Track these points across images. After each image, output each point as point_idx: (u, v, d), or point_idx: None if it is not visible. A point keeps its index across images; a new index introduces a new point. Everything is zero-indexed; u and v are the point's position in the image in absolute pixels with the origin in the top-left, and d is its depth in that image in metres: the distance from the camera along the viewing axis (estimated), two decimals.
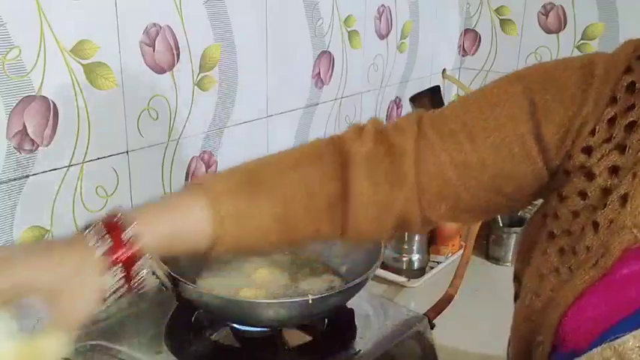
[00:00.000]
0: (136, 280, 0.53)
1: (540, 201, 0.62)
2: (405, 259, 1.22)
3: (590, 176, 0.54)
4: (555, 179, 0.58)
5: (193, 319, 0.90)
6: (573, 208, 0.55)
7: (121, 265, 0.52)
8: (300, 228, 0.61)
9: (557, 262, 0.54)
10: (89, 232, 0.52)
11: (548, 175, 0.58)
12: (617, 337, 0.48)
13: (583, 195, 0.54)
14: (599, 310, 0.51)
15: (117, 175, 0.92)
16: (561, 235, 0.55)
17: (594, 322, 0.51)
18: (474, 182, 0.59)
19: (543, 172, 0.58)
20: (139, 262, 0.53)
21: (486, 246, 1.26)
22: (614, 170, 0.53)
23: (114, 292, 0.52)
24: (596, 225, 0.52)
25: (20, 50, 0.76)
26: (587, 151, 0.55)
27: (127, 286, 0.53)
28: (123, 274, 0.52)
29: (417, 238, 1.22)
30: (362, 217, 0.61)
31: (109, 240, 0.51)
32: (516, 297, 0.63)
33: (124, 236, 0.52)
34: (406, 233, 1.22)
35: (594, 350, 0.49)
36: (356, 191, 0.59)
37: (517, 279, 0.63)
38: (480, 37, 1.66)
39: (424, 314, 0.98)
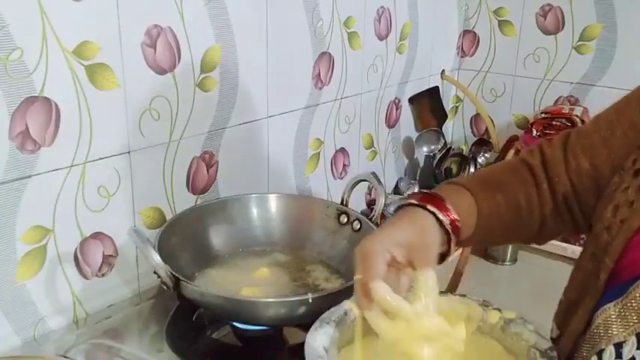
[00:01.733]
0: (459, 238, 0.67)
1: None
2: None
3: None
4: None
5: (194, 317, 0.91)
6: None
7: (449, 223, 0.65)
8: (520, 223, 0.72)
9: (635, 195, 0.57)
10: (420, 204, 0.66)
11: None
12: None
13: None
14: None
15: (118, 176, 0.92)
16: None
17: None
18: (599, 162, 0.68)
19: None
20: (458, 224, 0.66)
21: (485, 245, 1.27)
22: None
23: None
24: None
25: (22, 51, 0.77)
26: None
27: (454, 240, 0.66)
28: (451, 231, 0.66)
29: None
30: (548, 213, 0.72)
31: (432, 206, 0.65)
32: (583, 251, 0.66)
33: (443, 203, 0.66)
34: None
35: None
36: (542, 191, 0.71)
37: (591, 227, 0.66)
38: (478, 39, 1.67)
39: None
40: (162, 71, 0.94)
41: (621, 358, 0.52)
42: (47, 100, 0.81)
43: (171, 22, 0.94)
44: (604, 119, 0.70)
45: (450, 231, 0.65)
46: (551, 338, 0.66)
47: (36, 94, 0.80)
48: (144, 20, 0.90)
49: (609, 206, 0.60)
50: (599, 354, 0.54)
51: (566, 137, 0.73)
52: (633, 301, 0.52)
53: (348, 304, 0.64)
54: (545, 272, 1.22)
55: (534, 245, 1.27)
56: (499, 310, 0.62)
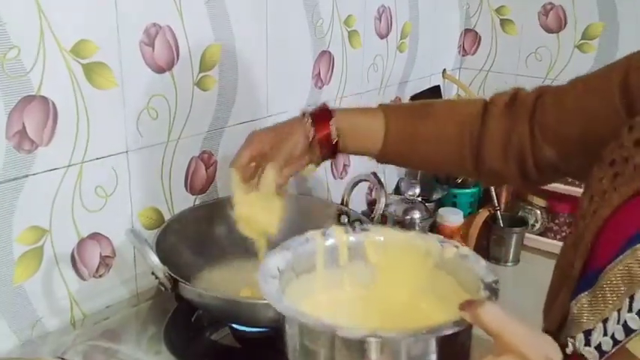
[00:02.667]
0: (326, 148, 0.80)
1: None
2: None
3: None
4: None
5: (193, 319, 0.90)
6: (638, 136, 0.58)
7: (321, 141, 0.79)
8: (446, 152, 0.78)
9: (607, 184, 0.57)
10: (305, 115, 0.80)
11: (625, 118, 0.64)
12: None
13: None
14: (634, 222, 0.52)
15: (116, 175, 0.92)
16: (620, 162, 0.58)
17: (624, 231, 0.52)
18: (569, 119, 0.70)
19: (621, 116, 0.65)
20: (332, 134, 0.79)
21: (487, 246, 1.26)
22: None
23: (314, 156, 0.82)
24: None
25: (19, 50, 0.76)
26: None
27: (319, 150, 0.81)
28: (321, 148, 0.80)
29: None
30: (491, 152, 0.75)
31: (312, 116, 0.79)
32: (566, 238, 0.67)
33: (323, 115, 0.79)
34: None
35: (620, 256, 0.51)
36: (489, 127, 0.75)
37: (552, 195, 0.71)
38: (479, 37, 1.66)
39: None
40: (160, 70, 0.94)
41: (589, 345, 0.52)
42: (44, 99, 0.80)
43: (169, 21, 0.93)
44: (582, 80, 0.71)
45: (318, 143, 0.79)
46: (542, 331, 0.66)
47: (33, 93, 0.79)
48: (142, 19, 0.90)
49: (586, 196, 0.61)
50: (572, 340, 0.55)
51: (542, 88, 0.75)
52: (601, 289, 0.53)
53: (309, 234, 0.64)
54: (547, 273, 1.21)
55: (536, 246, 1.27)
56: (456, 246, 0.64)
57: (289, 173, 0.80)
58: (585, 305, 0.54)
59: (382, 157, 0.83)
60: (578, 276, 0.57)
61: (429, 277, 0.63)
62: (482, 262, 0.61)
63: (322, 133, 0.78)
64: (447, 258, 0.63)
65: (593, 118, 0.68)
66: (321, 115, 0.79)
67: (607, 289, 0.52)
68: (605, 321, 0.51)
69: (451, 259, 0.63)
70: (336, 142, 0.80)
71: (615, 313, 0.50)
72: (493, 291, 0.57)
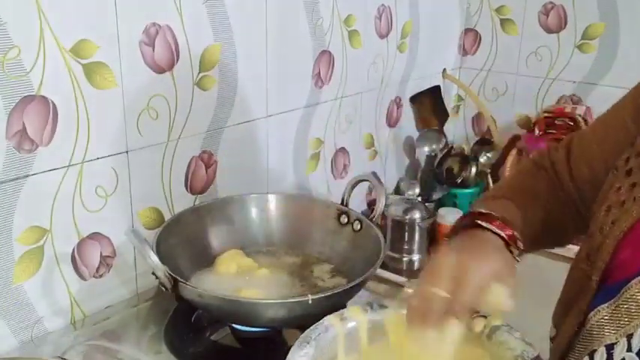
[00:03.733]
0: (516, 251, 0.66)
1: None
2: (405, 259, 1.22)
3: None
4: None
5: (193, 319, 0.90)
6: None
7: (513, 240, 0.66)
8: (558, 228, 0.75)
9: (626, 195, 0.57)
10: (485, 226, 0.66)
11: None
12: None
13: None
14: None
15: (116, 175, 0.92)
16: (637, 171, 0.58)
17: None
18: (596, 164, 0.69)
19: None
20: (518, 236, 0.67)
21: None
22: None
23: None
24: None
25: (20, 50, 0.76)
26: None
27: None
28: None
29: (417, 238, 1.22)
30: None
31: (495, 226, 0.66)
32: (579, 251, 0.66)
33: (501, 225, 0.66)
34: (406, 233, 1.22)
35: None
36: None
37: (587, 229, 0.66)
38: (480, 37, 1.66)
39: None
40: (160, 70, 0.94)
41: (612, 359, 0.52)
42: (44, 99, 0.80)
43: (169, 21, 0.93)
44: (600, 120, 0.71)
45: (514, 250, 0.65)
46: (550, 338, 0.66)
47: (33, 93, 0.79)
48: (142, 18, 0.89)
49: (603, 207, 0.60)
50: (591, 355, 0.54)
51: (570, 140, 0.74)
52: (625, 303, 0.52)
53: (328, 320, 0.63)
54: (546, 273, 1.21)
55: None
56: (485, 317, 0.61)
57: None
58: (606, 318, 0.54)
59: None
60: (596, 288, 0.56)
61: (459, 352, 0.59)
62: (516, 333, 0.59)
63: (513, 239, 0.67)
64: (476, 331, 0.60)
65: (613, 145, 0.67)
66: (508, 230, 0.67)
67: (632, 303, 0.51)
68: (629, 336, 0.51)
69: (481, 332, 0.60)
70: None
71: None
72: None
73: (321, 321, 0.63)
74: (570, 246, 1.23)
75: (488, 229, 0.64)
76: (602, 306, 0.54)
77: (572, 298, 0.61)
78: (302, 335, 0.61)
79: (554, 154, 0.75)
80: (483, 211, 0.67)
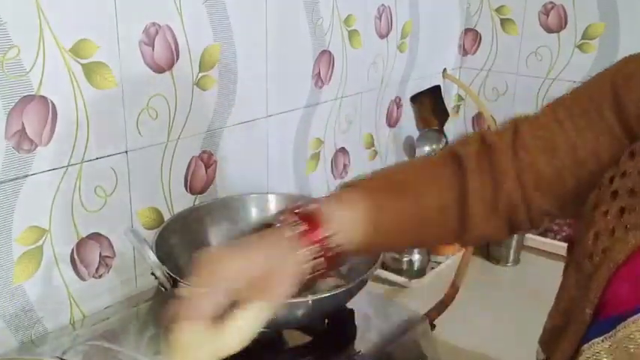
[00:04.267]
0: (332, 260, 0.59)
1: None
2: (405, 259, 1.22)
3: None
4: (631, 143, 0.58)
5: None
6: None
7: (316, 245, 0.57)
8: (431, 228, 0.66)
9: (615, 221, 0.54)
10: (283, 221, 0.58)
11: (628, 143, 0.58)
12: None
13: None
14: None
15: (116, 175, 0.91)
16: (624, 194, 0.54)
17: None
18: (563, 165, 0.61)
19: (623, 142, 0.59)
20: (331, 244, 0.58)
21: (487, 246, 1.26)
22: None
23: (312, 271, 0.58)
24: None
25: (19, 49, 0.76)
26: None
27: (324, 264, 0.58)
28: (319, 254, 0.58)
29: None
30: (478, 216, 0.63)
31: (303, 225, 0.58)
32: (566, 267, 0.62)
33: (317, 220, 0.58)
34: None
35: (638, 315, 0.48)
36: (470, 188, 0.63)
37: (570, 249, 0.62)
38: (480, 37, 1.66)
39: (424, 315, 0.98)
40: (160, 70, 0.94)
41: None
42: (44, 99, 0.80)
43: (169, 21, 0.93)
44: (563, 112, 0.62)
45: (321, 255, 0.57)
46: None
47: (33, 93, 0.79)
48: (142, 18, 0.89)
49: (590, 232, 0.56)
50: None
51: (515, 126, 0.64)
52: (622, 342, 0.50)
53: None
54: (548, 273, 1.20)
55: (536, 246, 1.27)
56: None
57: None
58: (603, 353, 0.52)
59: (366, 250, 0.66)
60: (589, 320, 0.54)
61: None
62: None
63: (317, 242, 0.58)
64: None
65: (590, 154, 0.60)
66: (312, 221, 0.58)
67: (631, 343, 0.49)
68: None
69: None
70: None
71: None
72: None
73: None
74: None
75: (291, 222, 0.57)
76: (596, 340, 0.52)
77: (563, 324, 0.58)
78: None
79: (490, 137, 0.64)
80: (307, 208, 0.59)
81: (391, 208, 0.64)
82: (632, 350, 0.49)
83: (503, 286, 1.23)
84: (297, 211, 0.59)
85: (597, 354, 0.52)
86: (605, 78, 0.62)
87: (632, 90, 0.59)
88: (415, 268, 1.23)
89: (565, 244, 1.24)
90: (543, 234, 1.31)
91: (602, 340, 0.52)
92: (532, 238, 1.28)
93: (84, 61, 0.83)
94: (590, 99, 0.61)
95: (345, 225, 0.60)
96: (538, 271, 1.23)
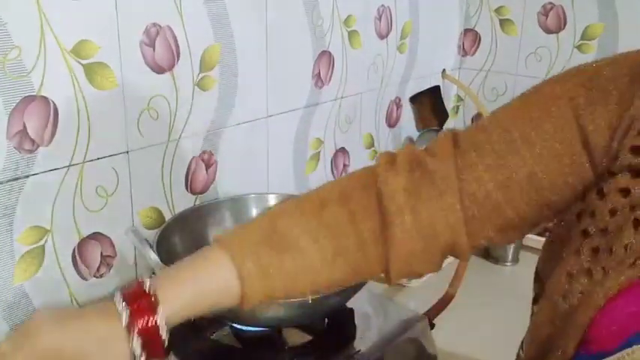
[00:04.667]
0: (159, 348, 0.53)
1: None
2: None
3: (636, 174, 0.52)
4: (598, 180, 0.55)
5: (193, 318, 0.90)
6: (613, 205, 0.52)
7: (139, 334, 0.51)
8: (335, 274, 0.59)
9: (590, 262, 0.52)
10: (116, 299, 0.53)
11: (594, 178, 0.56)
12: None
13: (625, 192, 0.52)
14: (632, 311, 0.49)
15: (117, 175, 0.92)
16: (596, 233, 0.53)
17: (627, 323, 0.49)
18: (520, 199, 0.56)
19: (590, 176, 0.55)
20: (160, 331, 0.52)
21: (486, 246, 1.26)
22: None
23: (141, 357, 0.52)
24: (637, 223, 0.50)
25: (20, 50, 0.76)
26: (636, 150, 0.52)
27: (150, 352, 0.53)
28: (143, 341, 0.52)
29: None
30: (407, 253, 0.58)
31: (129, 309, 0.52)
32: (536, 299, 0.61)
33: (144, 305, 0.52)
34: None
35: (624, 352, 0.48)
36: (397, 225, 0.57)
37: (539, 280, 0.61)
38: (479, 37, 1.66)
39: (424, 314, 0.98)
40: (161, 70, 0.94)
41: None
42: (45, 99, 0.81)
43: (170, 21, 0.93)
44: (525, 143, 0.56)
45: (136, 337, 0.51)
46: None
47: (34, 94, 0.79)
48: (143, 19, 0.90)
49: (561, 272, 0.54)
50: None
51: (455, 142, 0.58)
52: None
53: None
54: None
55: (536, 246, 1.28)
56: None
57: None
58: None
59: (247, 304, 0.58)
60: (572, 356, 0.53)
61: None
62: None
63: (145, 327, 0.52)
64: None
65: (551, 186, 0.56)
66: (141, 308, 0.52)
67: None
68: None
69: None
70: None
71: None
72: None
73: None
74: None
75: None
76: None
77: (542, 353, 0.57)
78: None
79: (428, 160, 0.58)
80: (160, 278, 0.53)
81: (271, 266, 0.56)
82: None
83: (503, 285, 1.23)
84: (128, 290, 0.53)
85: None
86: (561, 98, 0.56)
87: (595, 118, 0.54)
88: None
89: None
90: (542, 234, 1.32)
91: None
92: (531, 238, 1.29)
93: (85, 62, 0.84)
94: (549, 105, 0.56)
95: (193, 299, 0.54)
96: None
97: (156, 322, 0.52)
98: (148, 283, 0.53)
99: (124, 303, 0.52)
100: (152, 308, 0.52)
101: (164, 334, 0.53)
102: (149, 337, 0.52)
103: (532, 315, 0.60)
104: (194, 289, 0.55)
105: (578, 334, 0.52)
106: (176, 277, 0.55)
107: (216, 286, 0.56)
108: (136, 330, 0.51)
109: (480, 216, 0.57)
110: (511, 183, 0.56)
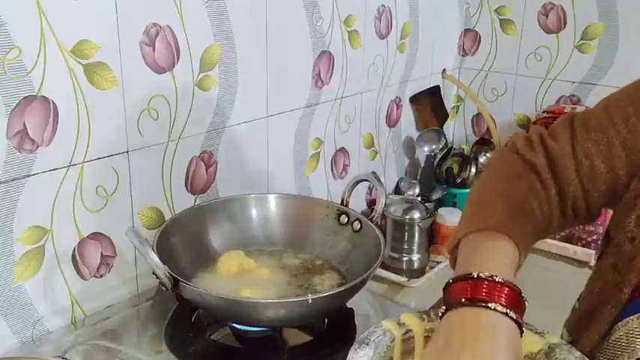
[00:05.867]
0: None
1: None
2: (405, 258, 1.22)
3: None
4: None
5: (193, 318, 0.90)
6: None
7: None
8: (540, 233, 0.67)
9: None
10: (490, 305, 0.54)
11: None
12: None
13: None
14: None
15: (117, 175, 0.92)
16: None
17: None
18: (618, 166, 0.63)
19: None
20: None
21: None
22: None
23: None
24: None
25: (20, 50, 0.76)
26: None
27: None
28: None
29: (416, 238, 1.22)
30: (555, 216, 0.66)
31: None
32: (600, 255, 0.63)
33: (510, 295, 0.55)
34: (406, 233, 1.22)
35: None
36: (549, 195, 0.66)
37: (608, 236, 0.63)
38: (479, 37, 1.66)
39: None
40: (161, 70, 0.94)
41: None
42: (45, 99, 0.81)
43: (170, 21, 0.93)
44: (617, 109, 0.65)
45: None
46: None
47: (34, 94, 0.79)
48: (143, 19, 0.90)
49: (631, 215, 0.57)
50: None
51: (572, 128, 0.67)
52: None
53: (385, 325, 0.63)
54: (546, 273, 1.22)
55: (535, 245, 1.28)
56: (542, 334, 0.58)
57: None
58: (637, 330, 0.52)
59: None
60: (627, 300, 0.55)
61: None
62: (577, 352, 0.55)
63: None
64: (537, 349, 0.57)
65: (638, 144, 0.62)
66: (516, 302, 0.56)
67: None
68: None
69: (542, 351, 0.57)
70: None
71: None
72: None
73: (379, 324, 0.63)
74: (567, 245, 1.23)
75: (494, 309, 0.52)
76: (633, 317, 0.53)
77: (596, 307, 0.59)
78: (361, 336, 0.61)
79: (552, 146, 0.67)
80: (484, 274, 0.55)
81: (525, 234, 0.64)
82: None
83: None
84: (504, 293, 0.54)
85: (631, 331, 0.53)
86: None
87: None
88: (415, 268, 1.23)
89: (564, 244, 1.25)
90: None
91: (638, 318, 0.53)
92: None
93: (85, 62, 0.84)
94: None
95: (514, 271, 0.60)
96: (537, 271, 1.23)
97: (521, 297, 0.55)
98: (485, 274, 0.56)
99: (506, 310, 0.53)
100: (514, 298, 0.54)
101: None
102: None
103: (594, 270, 0.62)
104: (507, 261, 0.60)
105: (637, 277, 0.53)
106: (498, 264, 0.59)
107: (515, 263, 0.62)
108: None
109: (592, 188, 0.65)
110: (615, 158, 0.64)
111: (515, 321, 0.52)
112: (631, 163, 0.63)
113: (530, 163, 0.66)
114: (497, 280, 0.53)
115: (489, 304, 0.52)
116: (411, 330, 0.63)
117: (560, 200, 0.66)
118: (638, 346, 0.52)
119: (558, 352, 0.55)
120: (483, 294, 0.53)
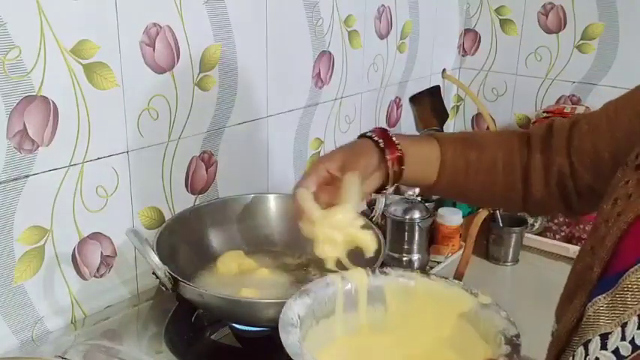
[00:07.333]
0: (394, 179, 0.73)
1: None
2: (405, 259, 1.22)
3: None
4: None
5: (193, 318, 0.90)
6: None
7: (393, 162, 0.72)
8: (497, 186, 0.76)
9: (633, 189, 0.57)
10: (372, 137, 0.73)
11: None
12: None
13: None
14: None
15: (117, 175, 0.92)
16: None
17: None
18: (602, 144, 0.70)
19: None
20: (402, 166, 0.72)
21: (486, 246, 1.26)
22: None
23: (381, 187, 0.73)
24: None
25: (20, 50, 0.76)
26: None
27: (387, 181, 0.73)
28: (393, 170, 0.72)
29: (416, 238, 1.22)
30: (536, 182, 0.74)
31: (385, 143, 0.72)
32: (585, 244, 0.66)
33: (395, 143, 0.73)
34: (406, 233, 1.22)
35: (638, 265, 0.51)
36: (532, 159, 0.75)
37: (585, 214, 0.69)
38: (479, 37, 1.66)
39: None
40: (161, 70, 0.94)
41: (606, 348, 0.52)
42: (45, 99, 0.81)
43: (170, 21, 0.93)
44: (613, 103, 0.72)
45: (388, 160, 0.71)
46: (552, 333, 0.66)
47: (34, 94, 0.79)
48: (142, 19, 0.90)
49: (610, 200, 0.60)
50: (586, 345, 0.54)
51: (577, 116, 0.76)
52: (621, 292, 0.52)
53: (330, 278, 0.64)
54: (546, 273, 1.21)
55: (535, 246, 1.28)
56: (475, 294, 0.62)
57: (368, 190, 0.72)
58: (603, 308, 0.53)
59: (435, 188, 0.77)
60: (596, 279, 0.56)
61: (450, 326, 0.62)
62: (503, 312, 0.60)
63: (394, 156, 0.72)
64: (468, 307, 0.62)
65: (625, 135, 0.67)
66: (388, 140, 0.73)
67: (628, 292, 0.51)
68: (624, 325, 0.51)
69: (472, 309, 0.62)
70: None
71: (635, 318, 0.50)
72: (514, 347, 0.56)
73: (322, 278, 0.65)
74: (568, 245, 1.23)
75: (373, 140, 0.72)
76: (600, 296, 0.54)
77: (574, 290, 0.60)
78: (302, 288, 0.63)
79: (557, 123, 0.76)
80: (386, 129, 0.75)
81: (461, 153, 0.75)
82: (628, 300, 0.51)
83: (503, 285, 1.23)
84: (380, 131, 0.73)
85: (598, 310, 0.53)
86: None
87: None
88: (415, 268, 1.23)
89: (564, 244, 1.25)
90: (542, 233, 1.32)
91: (605, 296, 0.53)
92: (531, 238, 1.29)
93: (85, 62, 0.84)
94: (633, 93, 0.69)
95: (418, 158, 0.74)
96: (537, 271, 1.23)
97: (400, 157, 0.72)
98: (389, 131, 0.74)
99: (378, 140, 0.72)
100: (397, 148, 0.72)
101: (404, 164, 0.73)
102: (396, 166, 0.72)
103: (578, 252, 0.65)
104: (419, 151, 0.75)
105: (607, 253, 0.55)
106: (410, 139, 0.76)
107: (428, 158, 0.76)
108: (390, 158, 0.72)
109: (580, 166, 0.72)
110: (602, 134, 0.70)
111: (373, 140, 0.72)
112: (613, 144, 0.68)
113: (525, 132, 0.77)
114: (382, 128, 0.74)
115: (367, 134, 0.73)
116: (354, 284, 0.65)
117: (544, 164, 0.74)
118: (601, 323, 0.53)
119: (487, 312, 0.60)
120: (369, 133, 0.73)
